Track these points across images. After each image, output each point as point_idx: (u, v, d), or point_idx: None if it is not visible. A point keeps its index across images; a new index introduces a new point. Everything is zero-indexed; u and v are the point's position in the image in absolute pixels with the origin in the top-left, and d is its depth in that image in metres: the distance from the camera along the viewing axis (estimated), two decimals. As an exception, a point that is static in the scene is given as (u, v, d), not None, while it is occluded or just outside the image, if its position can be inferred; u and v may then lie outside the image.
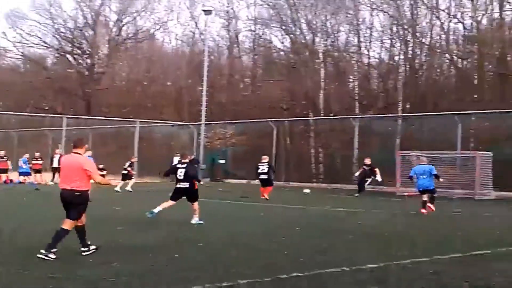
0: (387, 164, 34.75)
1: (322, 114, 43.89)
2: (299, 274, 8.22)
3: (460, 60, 43.13)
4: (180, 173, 14.33)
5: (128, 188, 26.89)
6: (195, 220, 14.11)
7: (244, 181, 37.37)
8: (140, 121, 42.24)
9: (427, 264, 9.14)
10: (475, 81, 40.25)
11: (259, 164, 24.16)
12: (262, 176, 23.79)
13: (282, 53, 52.17)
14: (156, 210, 14.14)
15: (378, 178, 27.54)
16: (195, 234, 12.46)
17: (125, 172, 27.50)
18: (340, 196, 27.26)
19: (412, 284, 7.77)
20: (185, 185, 14.31)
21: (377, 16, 47.07)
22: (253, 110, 48.13)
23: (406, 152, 30.81)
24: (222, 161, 40.88)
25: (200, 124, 41.12)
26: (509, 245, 11.45)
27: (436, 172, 18.37)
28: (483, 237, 12.63)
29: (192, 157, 38.90)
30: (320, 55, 46.97)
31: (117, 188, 26.23)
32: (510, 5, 39.56)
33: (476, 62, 40.80)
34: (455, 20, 43.48)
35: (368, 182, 27.80)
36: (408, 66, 44.55)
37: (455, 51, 43.61)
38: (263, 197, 22.97)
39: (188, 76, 55.08)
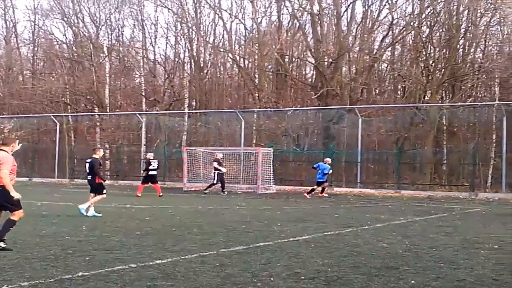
0: (174, 160, 35.24)
1: (108, 110, 43.12)
2: (85, 274, 8.00)
3: (242, 60, 44.88)
4: (87, 167, 16.37)
5: None
6: (83, 208, 15.77)
7: (25, 179, 35.48)
8: None
9: (213, 257, 9.36)
10: (257, 80, 42.13)
11: (151, 160, 24.81)
12: (152, 172, 24.78)
13: (64, 46, 50.35)
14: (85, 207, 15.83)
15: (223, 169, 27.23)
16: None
17: None
18: (127, 192, 26.98)
19: (199, 277, 7.89)
20: (89, 177, 16.30)
21: (161, 13, 47.46)
22: (34, 104, 45.94)
23: (192, 148, 31.37)
24: (0, 158, 38.41)
25: (-26, 118, 38.37)
26: (289, 236, 12.15)
27: (327, 172, 25.46)
28: (265, 230, 13.28)
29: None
30: (105, 49, 46.11)
31: None
32: (287, 9, 42.04)
33: (256, 62, 42.71)
34: (237, 21, 45.27)
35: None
36: (193, 64, 45.39)
37: (237, 51, 45.27)
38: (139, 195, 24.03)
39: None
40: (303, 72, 45.72)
